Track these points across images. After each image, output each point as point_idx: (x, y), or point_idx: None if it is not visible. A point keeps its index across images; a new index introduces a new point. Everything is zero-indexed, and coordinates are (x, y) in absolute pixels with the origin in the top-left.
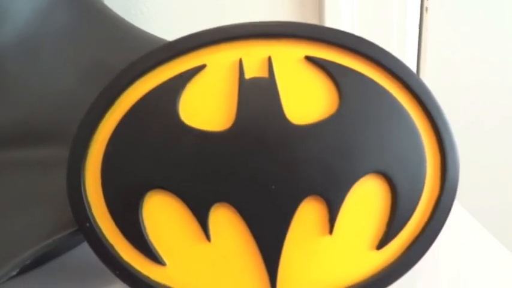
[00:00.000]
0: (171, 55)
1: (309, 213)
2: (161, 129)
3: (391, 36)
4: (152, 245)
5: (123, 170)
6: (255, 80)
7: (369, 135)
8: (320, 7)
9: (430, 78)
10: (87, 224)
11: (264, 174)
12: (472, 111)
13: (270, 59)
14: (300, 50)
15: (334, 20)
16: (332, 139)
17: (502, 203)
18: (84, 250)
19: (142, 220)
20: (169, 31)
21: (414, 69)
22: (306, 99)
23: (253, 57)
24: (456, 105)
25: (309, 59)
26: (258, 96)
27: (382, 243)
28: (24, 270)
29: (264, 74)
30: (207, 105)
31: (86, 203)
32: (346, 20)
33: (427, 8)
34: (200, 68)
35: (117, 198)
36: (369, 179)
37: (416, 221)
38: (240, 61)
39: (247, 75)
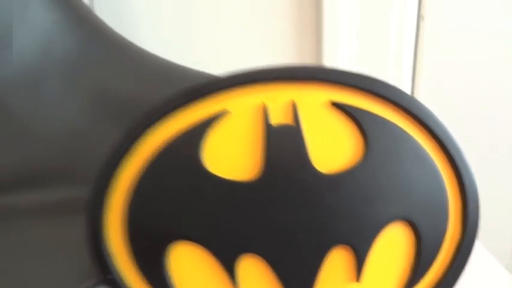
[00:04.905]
0: (191, 99)
1: (336, 261)
2: (185, 179)
3: (388, 46)
4: None
5: (147, 220)
6: (280, 127)
7: (394, 182)
8: (318, 21)
9: (425, 85)
10: (110, 276)
11: (291, 223)
12: (467, 124)
13: (294, 104)
14: (325, 94)
15: (333, 29)
16: (359, 188)
17: None
18: None
19: (169, 270)
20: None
21: (410, 77)
22: (332, 146)
23: (278, 101)
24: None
25: (335, 104)
26: (284, 144)
27: None
28: None
29: (289, 119)
30: (232, 153)
31: (108, 254)
32: (345, 30)
33: (423, 17)
34: (223, 114)
35: (141, 249)
36: (394, 225)
37: (438, 265)
38: (264, 106)
39: (272, 120)
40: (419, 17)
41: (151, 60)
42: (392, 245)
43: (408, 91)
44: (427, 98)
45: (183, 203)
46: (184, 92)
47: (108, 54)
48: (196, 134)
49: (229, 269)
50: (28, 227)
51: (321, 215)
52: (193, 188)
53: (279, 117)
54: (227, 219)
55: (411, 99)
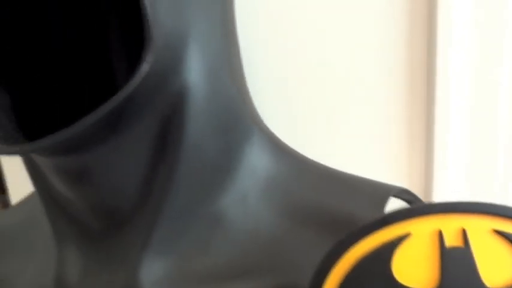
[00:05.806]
0: (385, 225)
1: None
2: (379, 286)
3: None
4: None
5: None
6: (453, 249)
7: None
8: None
9: None
10: None
11: None
12: None
13: (464, 230)
14: (488, 223)
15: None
16: None
17: None
18: None
19: None
20: None
21: None
22: (496, 265)
23: (450, 228)
24: None
25: (497, 231)
26: (457, 262)
27: None
28: None
29: (460, 242)
30: (415, 267)
31: None
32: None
33: None
34: (407, 236)
35: None
36: None
37: None
38: (440, 232)
39: (447, 243)
40: None
41: (326, 171)
42: None
43: None
44: None
45: None
46: (380, 219)
47: (294, 169)
48: (386, 251)
49: None
50: None
51: None
52: None
53: (452, 241)
54: None
55: None
